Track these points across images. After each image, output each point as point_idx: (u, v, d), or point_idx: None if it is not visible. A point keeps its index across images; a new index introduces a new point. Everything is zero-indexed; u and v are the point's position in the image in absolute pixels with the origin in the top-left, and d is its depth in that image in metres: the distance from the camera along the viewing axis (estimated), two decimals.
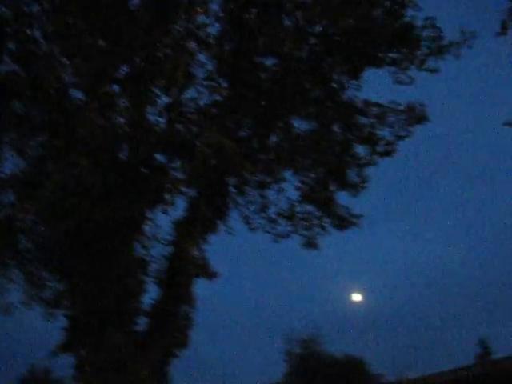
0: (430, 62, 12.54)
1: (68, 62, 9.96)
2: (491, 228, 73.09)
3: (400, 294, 65.57)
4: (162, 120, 11.40)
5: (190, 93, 11.74)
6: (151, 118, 11.37)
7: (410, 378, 22.17)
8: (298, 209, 13.92)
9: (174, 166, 11.74)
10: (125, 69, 10.76)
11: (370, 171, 13.54)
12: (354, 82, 12.69)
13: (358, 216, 13.66)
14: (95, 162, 10.45)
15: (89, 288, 10.39)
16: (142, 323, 10.93)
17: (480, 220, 78.25)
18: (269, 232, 14.32)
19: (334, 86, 12.77)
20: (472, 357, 29.44)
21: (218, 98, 12.05)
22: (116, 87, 10.81)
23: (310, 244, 13.69)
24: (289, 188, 14.05)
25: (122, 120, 11.21)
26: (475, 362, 24.08)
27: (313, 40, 12.38)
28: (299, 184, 13.77)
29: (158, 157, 11.57)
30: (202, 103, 12.00)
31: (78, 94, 10.44)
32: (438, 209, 79.60)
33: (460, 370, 13.29)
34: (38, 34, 9.80)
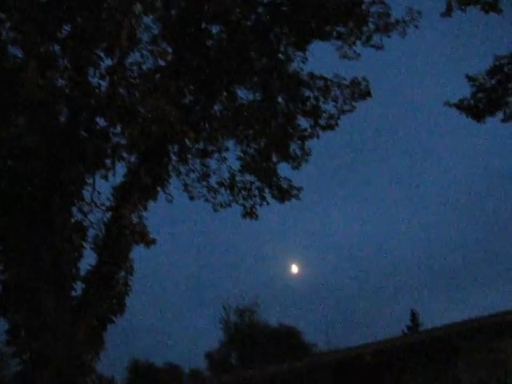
0: (376, 39, 12.71)
1: (6, 17, 9.57)
2: (430, 204, 75.46)
3: (337, 266, 67.16)
4: (103, 83, 11.17)
5: (133, 57, 11.54)
6: (93, 80, 11.14)
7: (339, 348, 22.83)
8: (238, 179, 14.00)
9: (115, 130, 11.56)
10: (67, 28, 10.44)
11: (312, 144, 13.75)
12: (300, 53, 12.74)
13: (299, 188, 13.86)
14: (34, 123, 10.16)
15: (24, 252, 10.18)
16: (79, 289, 10.81)
17: (419, 196, 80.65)
18: (209, 201, 14.38)
19: (281, 57, 12.79)
20: (402, 328, 30.67)
21: (162, 63, 11.87)
22: (57, 47, 10.49)
23: (250, 214, 13.79)
24: (230, 158, 14.11)
25: (62, 81, 10.92)
26: (404, 333, 25.05)
27: (260, 9, 12.32)
28: (241, 154, 13.84)
29: (99, 121, 11.37)
30: (145, 68, 11.82)
31: (17, 52, 10.09)
32: (378, 184, 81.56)
33: (388, 341, 13.75)
34: None
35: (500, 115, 12.70)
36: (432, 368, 13.04)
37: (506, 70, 12.49)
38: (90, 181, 11.85)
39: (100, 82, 11.05)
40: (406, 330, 29.13)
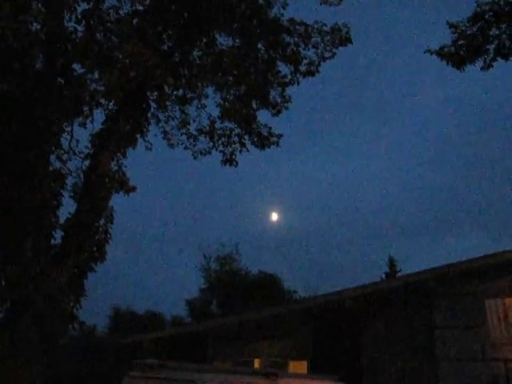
0: None
1: None
2: (409, 152, 75.98)
3: (317, 214, 67.77)
4: (80, 28, 10.90)
5: (110, 1, 11.26)
6: (69, 25, 10.86)
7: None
8: (218, 126, 13.94)
9: (92, 77, 11.35)
10: None
11: (292, 92, 13.67)
12: None
13: (279, 135, 13.84)
14: (9, 68, 9.94)
15: (2, 200, 10.09)
16: (59, 237, 10.79)
17: (396, 144, 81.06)
18: (188, 148, 14.33)
19: (261, 2, 12.55)
20: (381, 275, 31.22)
21: (140, 7, 11.59)
22: None
23: (230, 161, 13.78)
24: (210, 104, 14.00)
25: (37, 26, 10.63)
26: (382, 279, 25.51)
27: None
28: (221, 101, 13.73)
29: (76, 67, 11.15)
30: (122, 13, 11.53)
31: None
32: (358, 133, 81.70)
33: (366, 286, 14.00)
34: None
35: (480, 63, 12.67)
36: (408, 312, 13.38)
37: (487, 17, 12.38)
38: (68, 128, 11.73)
39: (76, 26, 10.82)
40: (384, 277, 29.61)
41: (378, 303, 13.82)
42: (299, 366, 14.20)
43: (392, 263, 31.75)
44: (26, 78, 10.24)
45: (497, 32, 12.30)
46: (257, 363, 14.91)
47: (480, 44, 12.44)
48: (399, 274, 30.02)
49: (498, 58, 12.36)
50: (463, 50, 12.52)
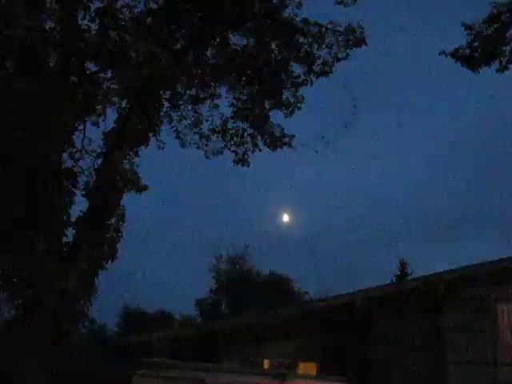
0: None
1: None
2: (419, 155, 75.51)
3: (329, 215, 67.55)
4: (94, 26, 10.92)
5: None
6: (83, 23, 10.88)
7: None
8: (231, 125, 13.93)
9: (105, 75, 11.39)
10: None
11: (305, 93, 13.63)
12: None
13: (291, 136, 13.82)
14: (22, 66, 9.97)
15: (14, 198, 10.12)
16: (70, 235, 10.81)
17: (411, 145, 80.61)
18: (201, 148, 14.33)
19: (275, 2, 12.53)
20: (391, 276, 31.11)
21: (154, 6, 11.61)
22: None
23: (242, 161, 13.77)
24: (223, 104, 13.99)
25: (51, 24, 10.66)
26: (392, 282, 25.38)
27: None
28: (233, 101, 13.71)
29: (90, 65, 11.17)
30: (137, 11, 11.56)
31: None
32: (369, 134, 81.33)
33: (377, 289, 13.93)
34: None
35: (495, 65, 12.55)
36: (419, 315, 13.28)
37: (503, 18, 12.25)
38: (80, 127, 11.76)
39: (90, 24, 10.84)
40: (394, 279, 29.50)
41: (389, 306, 13.73)
42: (309, 368, 14.15)
43: (403, 266, 31.62)
44: (40, 76, 10.27)
45: None
46: (266, 364, 14.88)
47: (496, 46, 12.32)
48: (410, 276, 29.89)
49: None
50: (478, 52, 12.41)
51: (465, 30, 12.33)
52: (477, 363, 12.29)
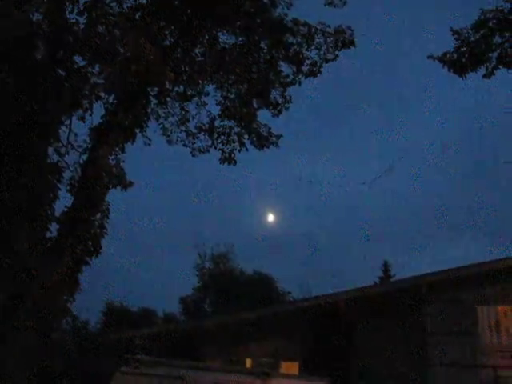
0: None
1: None
2: (407, 156, 75.89)
3: (313, 216, 67.74)
4: (82, 20, 10.83)
5: None
6: (71, 16, 10.79)
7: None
8: (218, 123, 13.91)
9: (93, 70, 11.29)
10: None
11: (293, 92, 13.64)
12: None
13: (278, 136, 13.82)
14: (8, 58, 9.87)
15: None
16: (54, 230, 10.73)
17: (395, 147, 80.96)
18: (187, 146, 14.29)
19: (265, 1, 12.53)
20: (374, 278, 31.30)
21: (143, 1, 11.56)
22: None
23: (228, 159, 13.74)
24: (210, 102, 13.97)
25: (38, 16, 10.56)
26: (375, 283, 25.53)
27: None
28: (221, 99, 13.70)
29: (77, 59, 11.08)
30: (125, 6, 11.48)
31: None
32: (356, 134, 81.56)
33: (360, 290, 14.00)
34: None
35: (482, 71, 12.64)
36: (401, 317, 13.36)
37: (490, 24, 12.34)
38: (66, 121, 11.66)
39: (78, 18, 10.74)
40: (378, 281, 29.71)
41: (371, 307, 13.80)
42: (291, 367, 14.18)
43: (386, 268, 31.86)
44: (26, 69, 10.17)
45: (500, 40, 12.27)
46: (248, 363, 14.89)
47: (482, 52, 12.40)
48: (393, 278, 30.10)
49: (500, 67, 12.33)
50: (465, 57, 12.48)
51: (452, 35, 12.39)
52: (458, 365, 12.40)
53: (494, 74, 12.44)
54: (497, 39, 12.29)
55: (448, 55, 12.53)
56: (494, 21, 12.18)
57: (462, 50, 12.47)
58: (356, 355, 13.63)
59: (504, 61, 12.27)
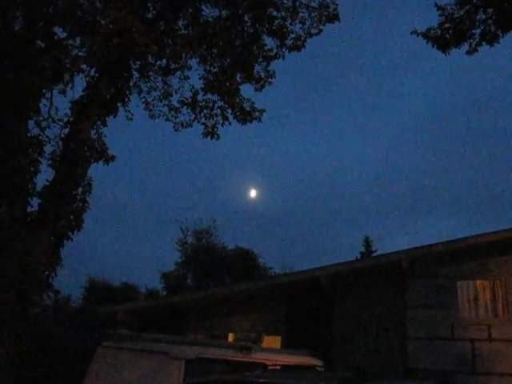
0: None
1: None
2: (390, 134, 76.28)
3: (296, 192, 68.01)
4: None
5: None
6: None
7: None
8: (200, 97, 13.82)
9: (74, 42, 11.11)
10: None
11: (277, 65, 13.59)
12: None
13: (261, 110, 13.77)
14: None
15: None
16: (35, 204, 10.64)
17: (376, 120, 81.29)
18: (170, 120, 14.19)
19: None
20: (356, 253, 31.58)
21: None
22: None
23: (211, 133, 13.68)
24: (193, 76, 13.86)
25: None
26: (357, 259, 25.73)
27: None
28: (204, 73, 13.59)
29: (58, 31, 10.89)
30: None
31: None
32: (337, 107, 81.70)
33: (341, 265, 14.10)
34: None
35: (465, 47, 12.66)
36: (382, 292, 13.52)
37: (475, 1, 12.33)
38: (47, 95, 11.50)
39: None
40: (359, 256, 29.95)
41: (352, 282, 13.93)
42: (273, 341, 14.30)
43: (368, 243, 32.12)
44: (3, 40, 9.98)
45: (483, 17, 12.27)
46: (231, 337, 14.99)
47: (466, 28, 12.40)
48: (374, 254, 30.37)
49: (483, 43, 12.35)
50: (449, 34, 12.48)
51: (437, 10, 12.37)
52: (437, 338, 12.61)
53: (477, 51, 12.48)
54: (480, 16, 12.30)
55: (432, 31, 12.53)
56: None
57: (446, 25, 12.47)
58: (336, 329, 13.79)
59: (487, 37, 12.30)
